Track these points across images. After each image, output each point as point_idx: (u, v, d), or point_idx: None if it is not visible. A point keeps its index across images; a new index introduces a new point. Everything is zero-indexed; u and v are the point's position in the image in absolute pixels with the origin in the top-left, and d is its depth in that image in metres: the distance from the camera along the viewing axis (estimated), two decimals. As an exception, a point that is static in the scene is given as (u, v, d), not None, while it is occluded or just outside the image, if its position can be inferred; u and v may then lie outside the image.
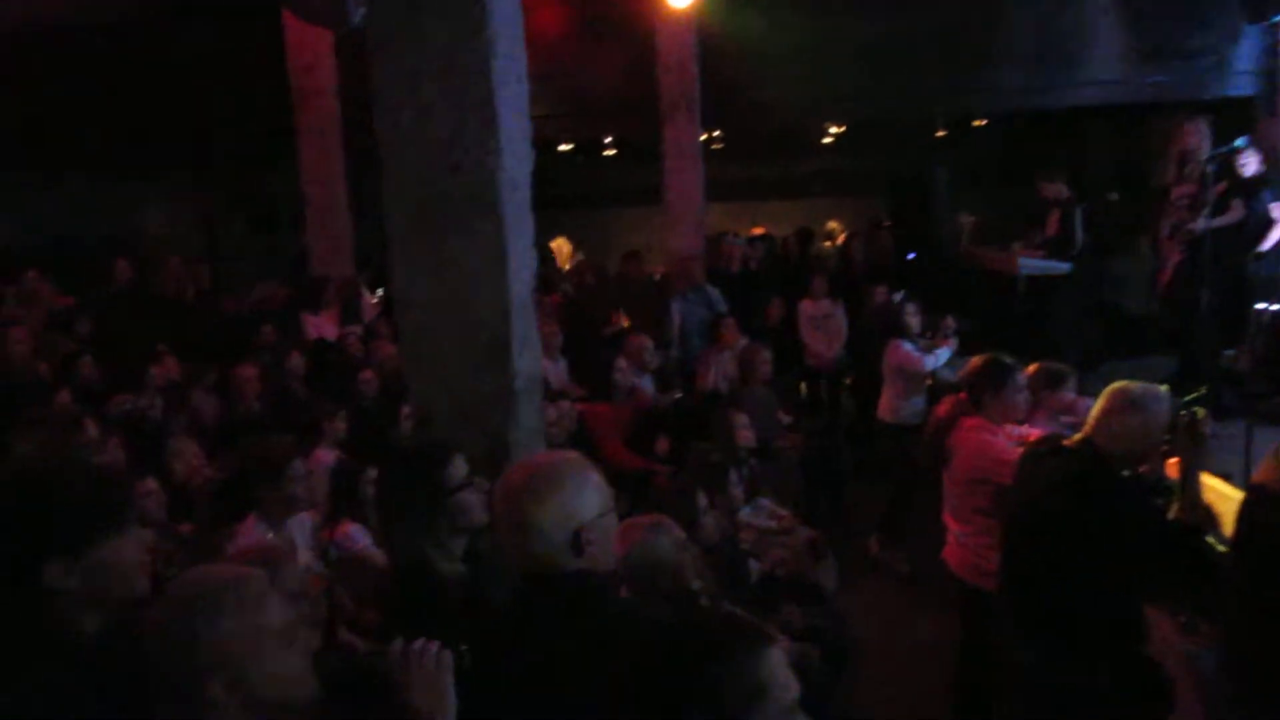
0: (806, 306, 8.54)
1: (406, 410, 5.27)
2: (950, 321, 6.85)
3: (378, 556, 4.50)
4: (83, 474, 2.15)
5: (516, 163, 2.92)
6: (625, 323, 8.52)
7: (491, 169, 2.84)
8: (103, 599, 2.04)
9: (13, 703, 1.89)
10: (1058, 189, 8.05)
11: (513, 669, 2.05)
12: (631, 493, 5.13)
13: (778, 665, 1.54)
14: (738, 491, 5.23)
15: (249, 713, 1.65)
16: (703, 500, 4.81)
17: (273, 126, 9.84)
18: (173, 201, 13.25)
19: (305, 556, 3.92)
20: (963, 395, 4.35)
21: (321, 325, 8.44)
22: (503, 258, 2.88)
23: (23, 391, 5.88)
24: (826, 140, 14.42)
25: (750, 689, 1.50)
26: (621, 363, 7.00)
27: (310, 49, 9.42)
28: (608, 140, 13.72)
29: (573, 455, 2.22)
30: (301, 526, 4.15)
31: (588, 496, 2.10)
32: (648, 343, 7.28)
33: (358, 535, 4.52)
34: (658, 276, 9.85)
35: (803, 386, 8.63)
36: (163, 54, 10.94)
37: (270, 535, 3.85)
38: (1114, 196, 11.36)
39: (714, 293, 8.55)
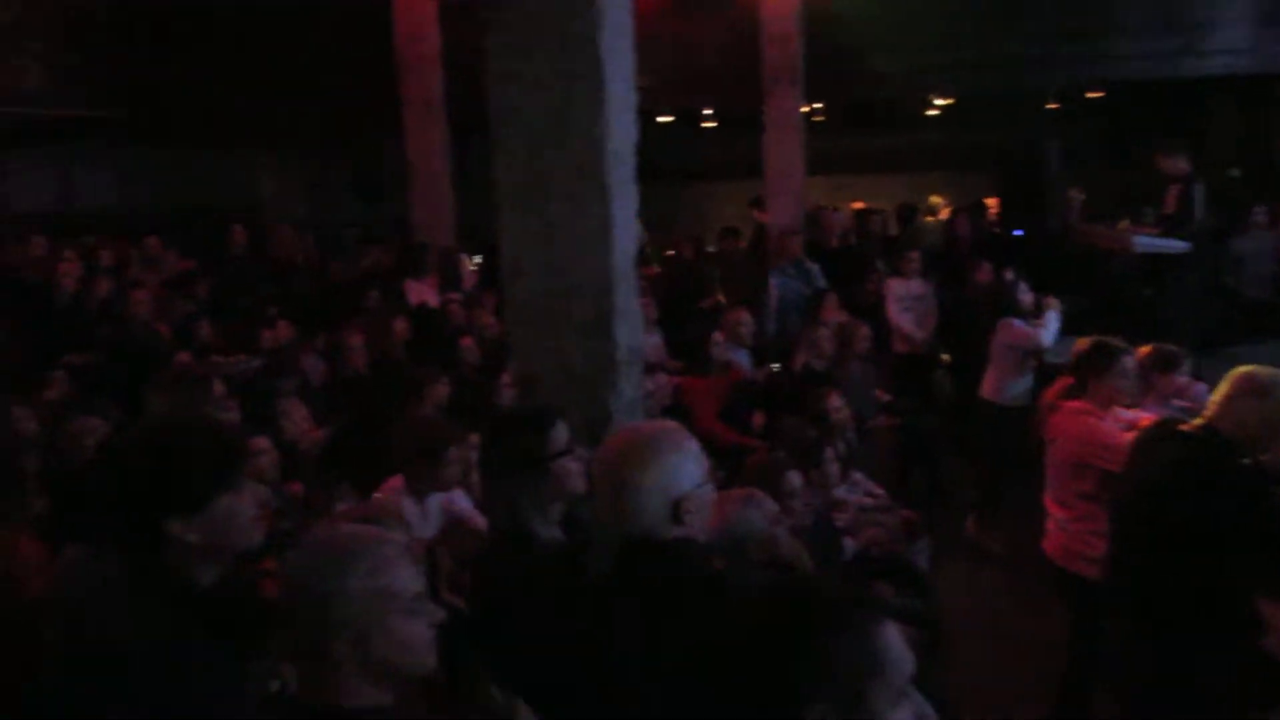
0: (895, 285, 8.07)
1: (507, 378, 5.37)
2: (1054, 300, 6.65)
3: (479, 520, 4.61)
4: (202, 432, 2.25)
5: (622, 134, 2.93)
6: (722, 299, 8.49)
7: (598, 140, 2.86)
8: (218, 551, 2.14)
9: (133, 647, 2.00)
10: (1178, 164, 7.69)
11: (611, 635, 2.08)
12: (725, 466, 5.14)
13: (894, 641, 1.51)
14: (833, 468, 5.19)
15: (366, 675, 1.68)
16: (796, 476, 4.80)
17: (379, 97, 10.04)
18: (284, 170, 13.65)
19: (429, 532, 3.98)
20: (1070, 379, 4.23)
21: (423, 291, 8.63)
22: (607, 229, 2.90)
23: (146, 351, 6.16)
24: (932, 113, 14.08)
25: (866, 664, 1.47)
26: (718, 336, 6.98)
27: (416, 19, 9.56)
28: (707, 112, 13.64)
29: (673, 425, 2.24)
30: (455, 503, 4.21)
31: (687, 466, 2.12)
32: (745, 317, 7.25)
33: (459, 498, 4.63)
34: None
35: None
36: (275, 27, 11.26)
37: (413, 504, 3.93)
38: (1235, 173, 10.84)
39: (813, 267, 8.45)
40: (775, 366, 7.07)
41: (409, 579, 1.74)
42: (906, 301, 8.03)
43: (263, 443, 4.55)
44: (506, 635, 2.53)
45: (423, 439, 4.07)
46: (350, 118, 11.56)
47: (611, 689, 2.09)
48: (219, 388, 4.28)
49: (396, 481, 4.01)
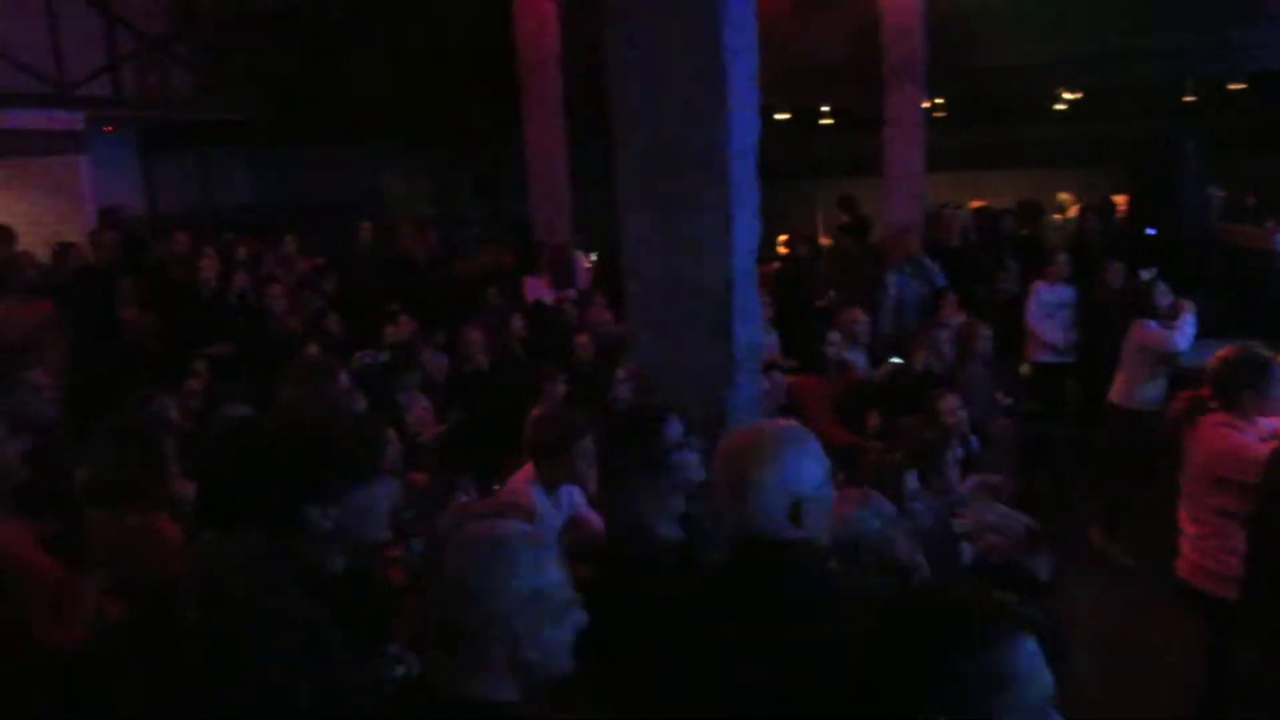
0: (1042, 290, 7.53)
1: (622, 373, 5.42)
2: (1188, 303, 6.35)
3: (592, 516, 4.66)
4: (344, 426, 2.33)
5: (744, 132, 2.93)
6: (836, 298, 8.39)
7: (720, 138, 2.86)
8: (351, 541, 2.22)
9: (267, 631, 2.08)
10: (1327, 160, 7.27)
11: (727, 633, 2.08)
12: (839, 468, 5.07)
13: (1031, 656, 1.44)
14: (953, 473, 5.08)
15: (511, 671, 1.70)
16: (913, 479, 4.71)
17: (501, 97, 10.23)
18: (410, 169, 14.05)
19: (556, 524, 4.04)
20: (1204, 391, 4.02)
21: (538, 289, 8.77)
22: (728, 227, 2.90)
23: (279, 343, 6.43)
24: (1059, 107, 13.61)
25: (997, 677, 1.40)
26: (834, 336, 6.91)
27: (537, 20, 9.72)
28: (825, 109, 13.48)
29: (795, 425, 2.22)
30: (573, 498, 4.28)
31: (808, 466, 2.09)
32: (861, 316, 7.15)
33: (575, 494, 4.69)
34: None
35: (1027, 366, 8.12)
36: (401, 29, 11.59)
37: (544, 496, 4.00)
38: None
39: (933, 266, 8.28)
40: (896, 361, 6.93)
41: (561, 583, 1.75)
42: (1050, 307, 7.56)
43: (390, 434, 4.70)
44: (620, 632, 2.55)
45: (555, 431, 4.15)
46: (473, 117, 11.81)
47: (723, 690, 2.09)
48: (344, 380, 4.44)
49: (526, 472, 4.08)
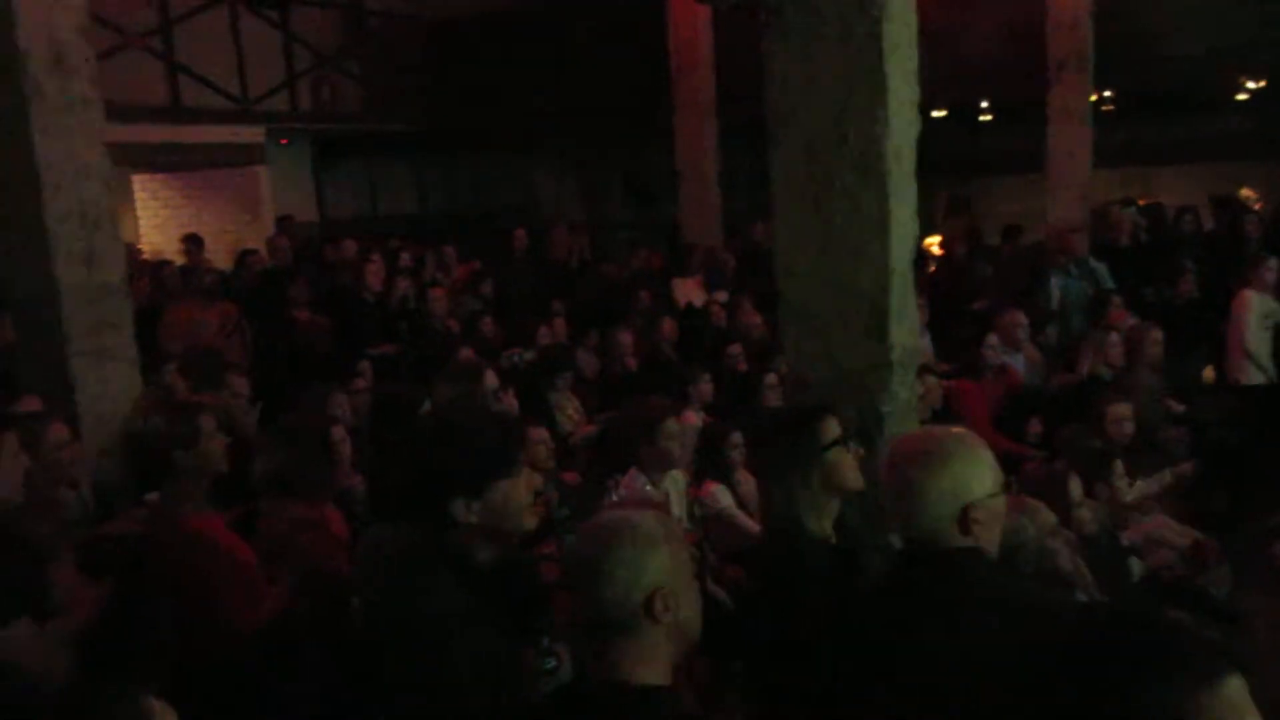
0: (1253, 300, 6.64)
1: (773, 378, 5.40)
2: None
3: (740, 517, 4.68)
4: (486, 423, 2.43)
5: (903, 130, 2.88)
6: (994, 300, 8.11)
7: (879, 137, 2.81)
8: (495, 533, 2.30)
9: (418, 618, 2.17)
10: None
11: (884, 640, 2.05)
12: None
13: (1238, 701, 1.30)
14: (1122, 484, 4.85)
15: (673, 638, 1.74)
16: (1078, 488, 4.52)
17: (652, 101, 10.34)
18: (562, 175, 14.36)
19: (677, 511, 4.16)
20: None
21: (689, 291, 8.82)
22: (885, 227, 2.85)
23: (439, 344, 6.68)
24: (1240, 97, 12.76)
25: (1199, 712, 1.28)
26: (993, 339, 6.68)
27: (690, 24, 9.78)
28: (984, 104, 13.05)
29: (967, 432, 2.17)
30: (675, 483, 4.38)
31: (979, 474, 2.05)
32: (1022, 319, 6.89)
33: (720, 495, 4.72)
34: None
35: (1209, 372, 7.49)
36: (553, 34, 11.87)
37: (649, 488, 4.10)
38: None
39: (1099, 267, 7.90)
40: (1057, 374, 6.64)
41: (688, 560, 1.80)
42: (1268, 320, 6.68)
43: (540, 433, 4.83)
44: (772, 633, 2.54)
45: (636, 422, 4.22)
46: (623, 122, 11.98)
47: (881, 698, 2.06)
48: (492, 379, 4.59)
49: (630, 474, 4.17)
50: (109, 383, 4.56)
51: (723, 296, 8.39)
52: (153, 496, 3.32)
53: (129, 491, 3.52)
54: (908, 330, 3.04)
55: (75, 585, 3.13)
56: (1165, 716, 1.29)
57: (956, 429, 2.19)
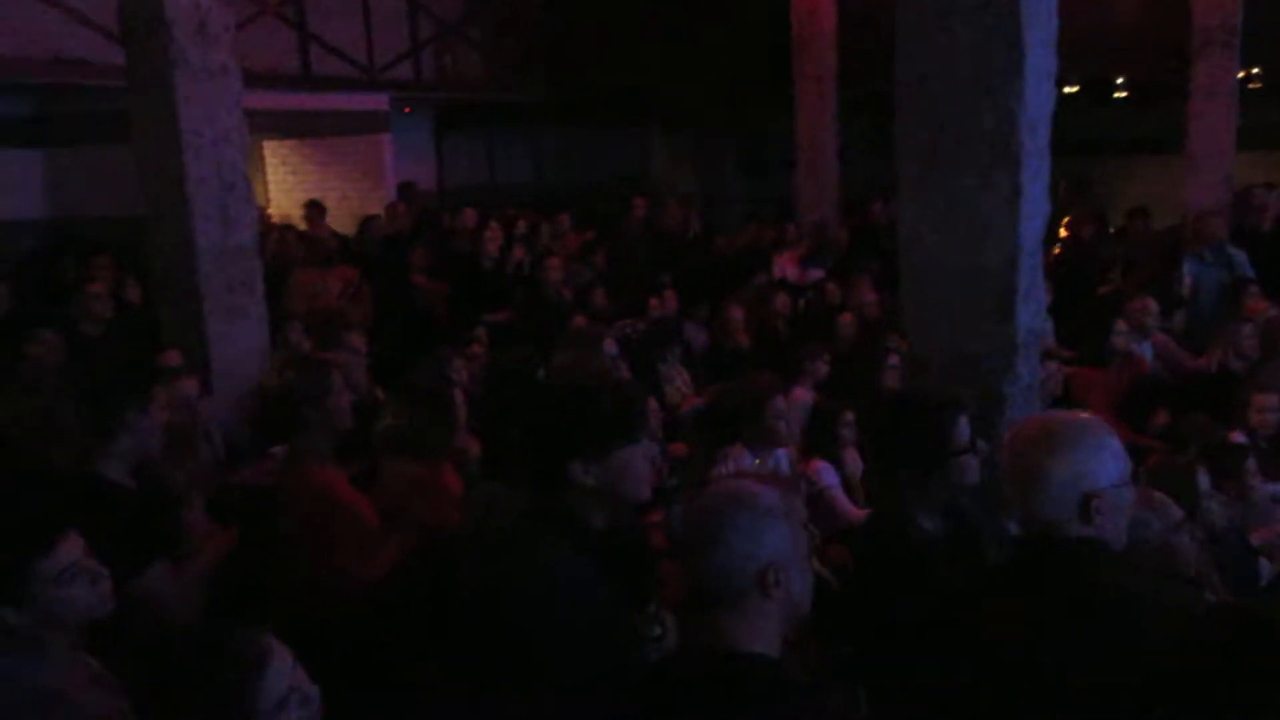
0: None
1: (892, 358, 5.31)
2: None
3: (840, 498, 4.62)
4: (610, 390, 2.44)
5: (1039, 103, 2.77)
6: (1122, 285, 7.79)
7: (1013, 110, 2.72)
8: (612, 498, 2.32)
9: (531, 579, 2.20)
10: None
11: (999, 630, 2.00)
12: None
13: None
14: (1254, 479, 4.62)
15: (783, 611, 1.76)
16: (1205, 481, 4.32)
17: (772, 74, 10.21)
18: (676, 148, 14.33)
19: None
20: None
21: (786, 266, 8.71)
22: (1015, 203, 2.76)
23: (553, 312, 6.77)
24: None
25: None
26: (1121, 325, 6.42)
27: (813, -3, 9.61)
28: (1119, 81, 12.49)
29: (1095, 418, 2.09)
30: (780, 460, 4.36)
31: (1105, 462, 1.98)
32: (1152, 305, 6.60)
33: (826, 473, 4.67)
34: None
35: None
36: (673, 5, 11.82)
37: (756, 463, 4.09)
38: None
39: (1237, 254, 7.50)
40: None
41: (804, 534, 1.81)
42: None
43: (652, 403, 4.86)
44: (878, 617, 2.51)
45: (744, 399, 4.19)
46: (740, 95, 11.87)
47: (989, 688, 2.02)
48: (610, 347, 4.63)
49: (737, 449, 4.16)
50: (239, 340, 4.76)
51: (818, 274, 8.26)
52: (280, 449, 3.46)
53: (258, 444, 3.68)
54: (1034, 312, 2.94)
55: (206, 530, 3.30)
56: None
57: (1085, 414, 2.11)
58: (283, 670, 1.79)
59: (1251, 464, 4.58)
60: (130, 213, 5.32)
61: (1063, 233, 9.75)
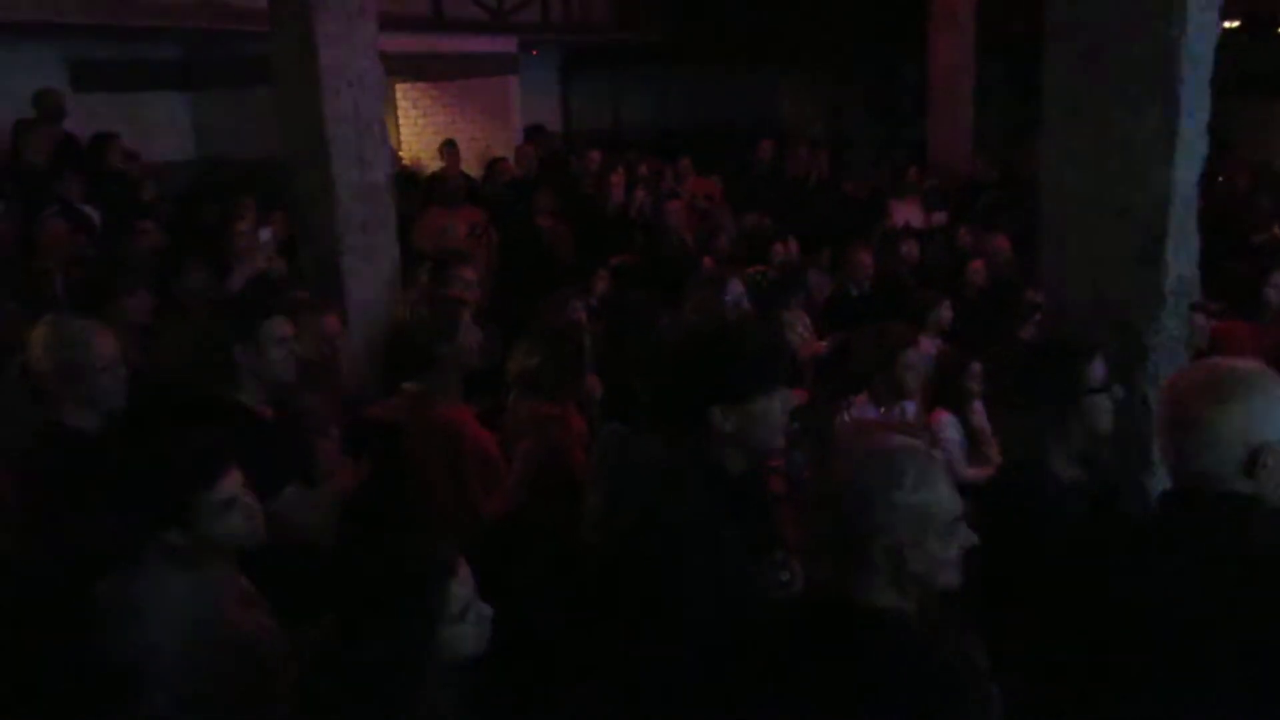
0: None
1: (1027, 307, 5.13)
2: None
3: (957, 455, 4.50)
4: (752, 334, 2.43)
5: (1201, 33, 2.58)
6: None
7: (1173, 39, 2.53)
8: (748, 446, 2.31)
9: (668, 522, 2.22)
10: None
11: (1148, 586, 1.92)
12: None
13: None
14: None
15: (895, 581, 1.74)
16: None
17: (904, 12, 9.87)
18: (804, 89, 14.02)
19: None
20: None
21: (907, 212, 8.47)
22: (1170, 142, 2.59)
23: (676, 255, 6.76)
24: None
25: None
26: (1276, 278, 6.04)
27: (950, -69, 9.22)
28: (1287, 15, 11.63)
29: (1265, 368, 1.97)
30: (906, 412, 4.28)
31: (1275, 414, 1.87)
32: (1313, 256, 6.19)
33: (948, 425, 4.55)
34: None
35: None
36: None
37: (881, 413, 4.02)
38: None
39: None
40: None
41: (949, 499, 1.76)
42: None
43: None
44: (1010, 573, 2.45)
45: (875, 349, 4.10)
46: (871, 35, 11.52)
47: (1131, 645, 1.94)
48: (736, 288, 4.59)
49: (860, 400, 4.08)
50: (373, 278, 4.91)
51: (942, 218, 7.99)
52: (411, 385, 3.56)
53: (391, 379, 3.80)
54: (1185, 260, 2.78)
55: (339, 461, 3.43)
56: None
57: (1256, 363, 1.98)
58: (465, 581, 1.86)
59: None
60: (272, 154, 5.51)
61: (1219, 178, 9.20)
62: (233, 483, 2.30)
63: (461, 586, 1.85)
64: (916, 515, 1.70)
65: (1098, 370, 2.53)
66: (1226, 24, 9.08)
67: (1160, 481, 2.44)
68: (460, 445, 3.36)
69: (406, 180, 8.71)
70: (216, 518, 2.27)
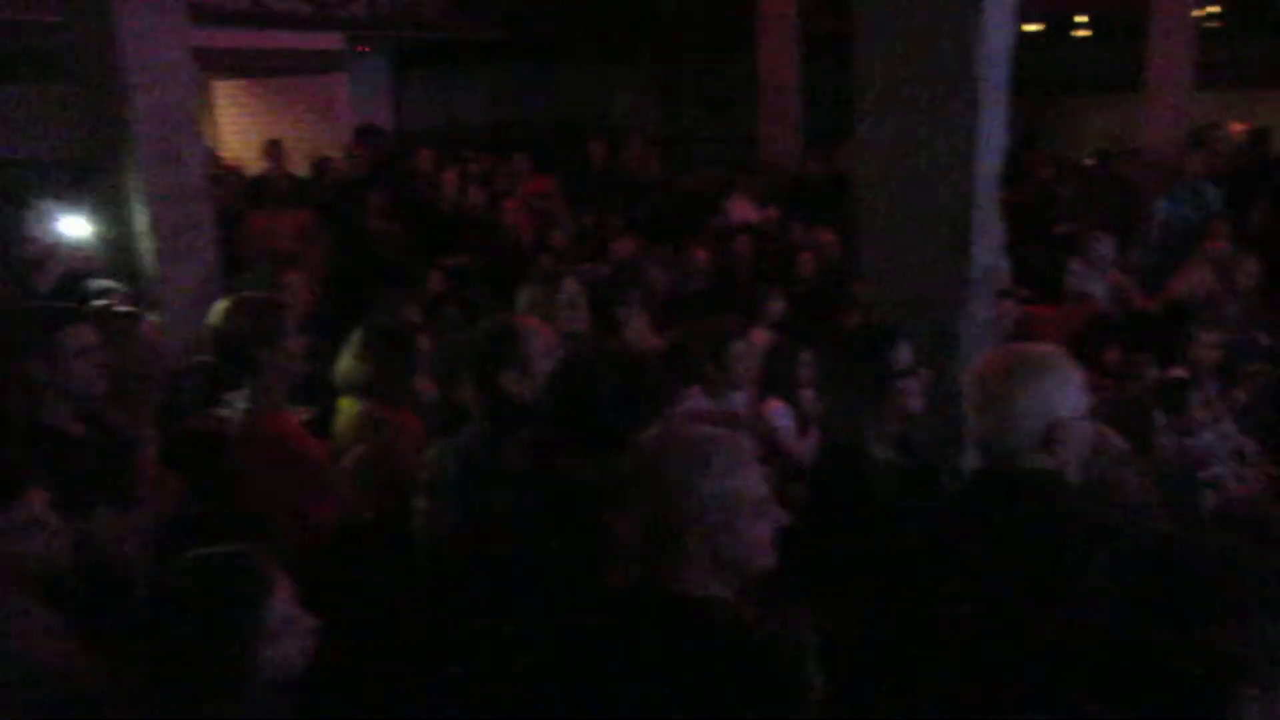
0: None
1: (849, 297, 5.33)
2: None
3: (786, 440, 4.65)
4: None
5: (998, 36, 2.75)
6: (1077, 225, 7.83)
7: (971, 41, 2.69)
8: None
9: (494, 514, 2.21)
10: None
11: (956, 560, 2.03)
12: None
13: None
14: (1200, 414, 4.73)
15: (713, 568, 1.76)
16: (1159, 418, 4.42)
17: (733, 8, 10.07)
18: (639, 86, 14.16)
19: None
20: None
21: (742, 207, 8.68)
22: (972, 140, 2.75)
23: (511, 254, 6.71)
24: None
25: None
26: (1076, 265, 6.48)
27: (774, -70, 9.46)
28: (1080, 19, 12.49)
29: (1060, 351, 2.12)
30: (738, 402, 4.37)
31: (1070, 393, 2.01)
32: (1108, 244, 6.66)
33: (781, 414, 4.69)
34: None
35: None
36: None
37: (705, 403, 4.09)
38: None
39: (1210, 192, 7.53)
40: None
41: (757, 482, 1.80)
42: None
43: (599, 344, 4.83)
44: (834, 552, 2.54)
45: (704, 342, 4.20)
46: (703, 32, 11.72)
47: (945, 613, 2.05)
48: (573, 285, 4.60)
49: (694, 392, 4.17)
50: (190, 283, 4.68)
51: (774, 213, 8.23)
52: (234, 394, 3.41)
53: (211, 389, 3.63)
54: (989, 249, 2.95)
55: (157, 476, 3.25)
56: (1262, 639, 1.31)
57: (1050, 346, 2.14)
58: (285, 595, 1.79)
59: (1196, 398, 4.68)
60: (73, 154, 5.18)
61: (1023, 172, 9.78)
62: (33, 504, 2.16)
63: (281, 601, 1.78)
64: (726, 500, 1.73)
65: (904, 354, 2.64)
66: (1028, 27, 9.64)
67: (971, 460, 2.58)
68: (287, 455, 3.24)
69: (231, 181, 8.35)
70: (13, 542, 2.12)
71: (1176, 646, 1.32)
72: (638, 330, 6.18)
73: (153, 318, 4.25)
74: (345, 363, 3.57)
